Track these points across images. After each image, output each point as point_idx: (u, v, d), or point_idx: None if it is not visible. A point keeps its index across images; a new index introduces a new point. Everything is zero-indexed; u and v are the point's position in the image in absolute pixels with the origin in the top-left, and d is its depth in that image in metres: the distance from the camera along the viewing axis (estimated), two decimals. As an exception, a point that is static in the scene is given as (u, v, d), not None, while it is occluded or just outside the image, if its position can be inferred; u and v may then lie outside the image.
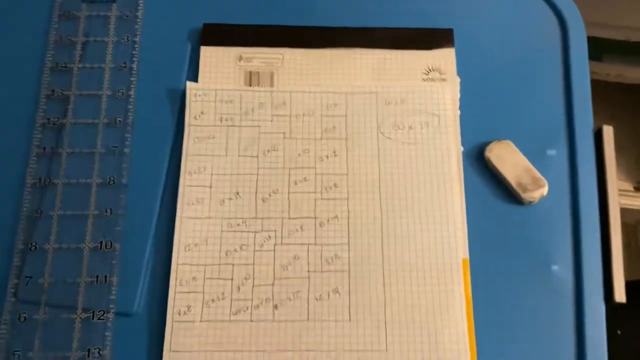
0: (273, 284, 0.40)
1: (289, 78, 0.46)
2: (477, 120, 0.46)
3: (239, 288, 0.40)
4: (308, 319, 0.40)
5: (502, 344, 0.40)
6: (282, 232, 0.42)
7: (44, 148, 0.44)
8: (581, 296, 0.41)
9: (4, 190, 0.43)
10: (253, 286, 0.40)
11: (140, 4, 0.48)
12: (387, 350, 0.39)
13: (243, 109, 0.45)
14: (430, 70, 0.47)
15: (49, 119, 0.45)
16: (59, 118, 0.45)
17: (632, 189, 0.76)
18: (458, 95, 0.46)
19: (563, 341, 0.40)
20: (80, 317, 0.39)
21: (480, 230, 0.43)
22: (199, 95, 0.45)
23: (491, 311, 0.41)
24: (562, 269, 0.42)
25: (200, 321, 0.39)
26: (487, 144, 0.45)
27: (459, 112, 0.46)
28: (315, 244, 0.42)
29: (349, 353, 0.39)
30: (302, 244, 0.42)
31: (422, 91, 0.46)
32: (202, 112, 0.45)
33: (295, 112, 0.45)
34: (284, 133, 0.45)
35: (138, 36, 0.47)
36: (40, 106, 0.45)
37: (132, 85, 0.46)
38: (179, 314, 0.39)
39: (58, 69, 0.46)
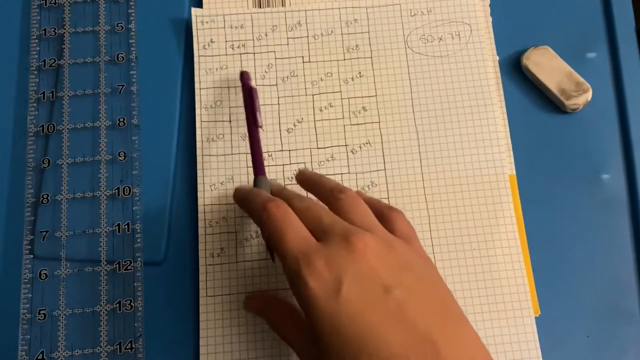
0: (309, 218, 0.38)
1: (303, -4, 0.42)
2: (511, 27, 0.42)
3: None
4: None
5: (557, 260, 0.38)
6: (311, 163, 0.39)
7: (43, 93, 0.40)
8: (636, 203, 0.39)
9: (4, 140, 0.39)
10: (288, 221, 0.37)
11: None
12: (437, 276, 0.36)
13: (255, 33, 0.41)
14: (455, -25, 0.43)
15: (44, 60, 0.41)
16: (55, 59, 0.41)
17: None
18: (488, 0, 0.42)
19: (621, 251, 0.38)
20: (106, 270, 0.36)
21: (524, 143, 0.40)
22: (206, 23, 0.41)
23: (543, 227, 0.38)
24: (614, 178, 0.40)
25: (237, 262, 0.36)
26: (523, 51, 0.41)
27: (491, 19, 0.42)
28: (349, 172, 0.39)
29: (397, 282, 0.36)
30: (335, 174, 0.39)
31: (449, -1, 0.42)
32: (211, 41, 0.41)
33: (313, 33, 0.41)
34: (302, 57, 0.41)
35: (131, -38, 0.43)
36: (32, 47, 0.41)
37: (131, 18, 0.42)
38: (212, 257, 0.37)
39: (47, 6, 0.42)
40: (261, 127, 0.37)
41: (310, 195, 0.35)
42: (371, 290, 0.27)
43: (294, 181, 0.38)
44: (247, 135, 0.37)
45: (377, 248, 0.28)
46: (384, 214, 0.32)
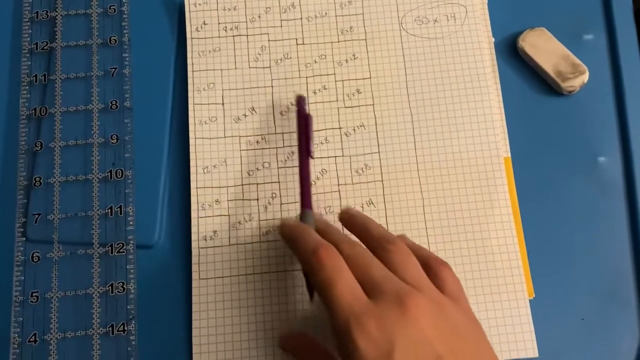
0: (302, 200, 0.37)
1: (296, -22, 0.42)
2: (507, 8, 0.42)
3: (266, 207, 0.37)
4: (343, 232, 0.37)
5: (553, 243, 0.38)
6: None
7: (35, 76, 0.40)
8: (633, 186, 0.39)
9: (-3, 124, 0.39)
10: (281, 204, 0.37)
11: None
12: (431, 259, 0.36)
13: (248, 15, 0.41)
14: (451, -44, 0.42)
15: (36, 43, 0.40)
16: (47, 42, 0.40)
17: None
18: (484, -18, 0.42)
19: (617, 233, 0.38)
20: (98, 252, 0.36)
21: (520, 126, 0.39)
22: (199, 5, 0.41)
23: (539, 209, 0.38)
24: (610, 160, 0.39)
25: (229, 245, 0.36)
26: (519, 33, 0.41)
27: (486, 0, 0.41)
28: (342, 155, 0.38)
29: (391, 265, 0.36)
30: (329, 157, 0.38)
31: (445, -20, 0.41)
32: (204, 23, 0.41)
33: (307, 15, 0.41)
34: (296, 39, 0.41)
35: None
36: (24, 30, 0.40)
37: (124, 1, 0.41)
38: (205, 240, 0.36)
39: (39, -12, 0.41)
40: (312, 156, 0.36)
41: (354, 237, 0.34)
42: (423, 358, 0.26)
43: (287, 164, 0.38)
44: (299, 162, 0.36)
45: (430, 311, 0.28)
46: (431, 267, 0.31)
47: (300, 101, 0.38)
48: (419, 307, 0.27)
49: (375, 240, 0.31)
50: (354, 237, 0.33)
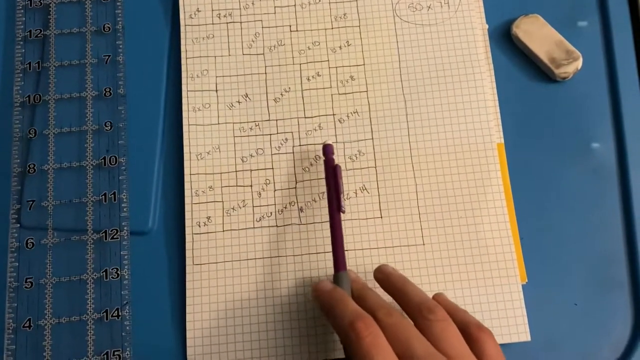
0: (296, 187, 0.37)
1: (290, -35, 0.42)
2: (501, -5, 0.42)
3: (259, 194, 0.37)
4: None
5: (546, 228, 0.38)
6: (299, 132, 0.39)
7: (29, 63, 0.40)
8: (626, 172, 0.39)
9: (-9, 111, 0.39)
10: (275, 190, 0.37)
11: None
12: (424, 244, 0.36)
13: (242, 2, 0.41)
14: (445, -57, 0.42)
15: (30, 31, 0.40)
16: (40, 30, 0.40)
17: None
18: (478, -32, 0.42)
19: (610, 219, 0.38)
20: (92, 239, 0.36)
21: (514, 112, 0.39)
22: (193, -9, 0.41)
23: (532, 195, 0.38)
24: (604, 146, 0.39)
25: (223, 231, 0.36)
26: (513, 20, 0.41)
27: (480, -13, 0.41)
28: (336, 142, 0.39)
29: (384, 250, 0.36)
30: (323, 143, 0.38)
31: (439, -33, 0.41)
32: (197, 10, 0.41)
33: (300, 1, 0.41)
34: (289, 25, 0.41)
35: None
36: (17, 18, 0.40)
37: (117, -12, 0.41)
38: (199, 226, 0.36)
39: (32, -25, 0.41)
40: (344, 211, 0.34)
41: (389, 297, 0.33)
42: None
43: (281, 150, 0.38)
44: (330, 219, 0.34)
45: None
46: (472, 335, 0.30)
47: (328, 150, 0.36)
48: None
49: (414, 308, 0.30)
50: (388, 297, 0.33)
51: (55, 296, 0.35)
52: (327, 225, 0.36)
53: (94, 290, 0.35)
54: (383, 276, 0.33)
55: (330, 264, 0.36)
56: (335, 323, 0.30)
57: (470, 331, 0.30)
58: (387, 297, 0.33)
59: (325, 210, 0.37)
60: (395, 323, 0.29)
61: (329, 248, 0.36)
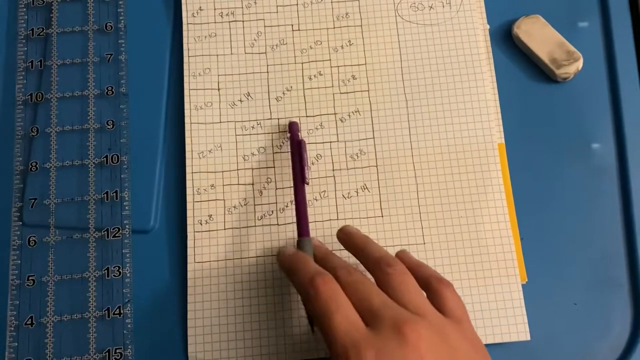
0: (297, 186, 0.38)
1: (292, -36, 0.42)
2: (502, -5, 0.42)
3: (261, 192, 0.37)
4: (338, 217, 0.37)
5: (546, 228, 0.38)
6: (300, 131, 0.39)
7: (31, 62, 0.40)
8: (626, 173, 0.39)
9: (-7, 109, 0.39)
10: (276, 189, 0.37)
11: None
12: (424, 243, 0.37)
13: (244, 1, 0.41)
14: (447, -57, 0.42)
15: (32, 29, 0.40)
16: (43, 28, 0.40)
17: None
18: (479, -32, 0.42)
19: (610, 220, 0.38)
20: (94, 237, 0.37)
21: (514, 112, 0.40)
22: (195, -10, 0.41)
23: (533, 195, 0.38)
24: (604, 147, 0.39)
25: (224, 229, 0.37)
26: (514, 20, 0.41)
27: (482, -13, 0.42)
28: (337, 141, 0.39)
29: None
30: (324, 142, 0.39)
31: (440, -33, 0.41)
32: (200, 9, 0.41)
33: (303, 1, 0.41)
34: (292, 25, 0.41)
35: None
36: (20, 16, 0.41)
37: (119, -14, 0.41)
38: (201, 224, 0.37)
39: (34, -26, 0.41)
40: (308, 183, 0.35)
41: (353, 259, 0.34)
42: None
43: (283, 149, 0.38)
44: (294, 189, 0.35)
45: (430, 338, 0.27)
46: (432, 287, 0.30)
47: (293, 127, 0.37)
48: (419, 334, 0.27)
49: (374, 263, 0.31)
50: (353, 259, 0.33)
51: (57, 294, 0.35)
52: (329, 225, 0.37)
53: (96, 288, 0.36)
54: (345, 236, 0.34)
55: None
56: (296, 282, 0.31)
57: (431, 283, 0.30)
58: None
59: (327, 209, 0.37)
60: (354, 280, 0.30)
61: (330, 247, 0.36)
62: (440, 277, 0.31)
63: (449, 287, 0.30)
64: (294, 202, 0.35)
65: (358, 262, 0.33)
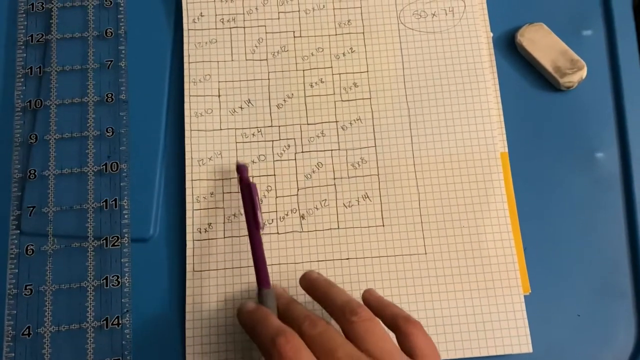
0: (297, 194, 0.37)
1: (294, -30, 0.41)
2: (506, 3, 0.42)
3: (261, 200, 0.37)
4: (338, 226, 0.37)
5: (550, 238, 0.37)
6: (301, 139, 0.38)
7: (30, 68, 0.39)
8: (630, 182, 0.38)
9: (-8, 116, 0.39)
10: (276, 197, 0.37)
11: None
12: (426, 253, 0.36)
13: (246, 7, 0.41)
14: (450, -50, 0.42)
15: (31, 35, 0.40)
16: (42, 34, 0.40)
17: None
18: (482, -24, 0.42)
19: (613, 229, 0.38)
20: (93, 245, 0.36)
21: (518, 121, 0.39)
22: (196, -3, 0.41)
23: (536, 205, 0.38)
24: (608, 156, 0.39)
25: (224, 237, 0.36)
26: (518, 28, 0.41)
27: (485, -5, 0.41)
28: (339, 149, 0.38)
29: (385, 259, 0.36)
30: (325, 150, 0.38)
31: (443, -26, 0.41)
32: (200, 15, 0.40)
33: (305, 7, 0.41)
34: (293, 31, 0.40)
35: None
36: (19, 22, 0.40)
37: (119, -8, 0.41)
38: (200, 232, 0.36)
39: (34, -21, 0.41)
40: (262, 228, 0.34)
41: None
42: None
43: (283, 157, 0.38)
44: (249, 237, 0.34)
45: None
46: (400, 328, 0.30)
47: (242, 169, 0.36)
48: None
49: (338, 311, 0.30)
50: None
51: (55, 304, 0.35)
52: (330, 234, 0.36)
53: (94, 298, 0.35)
54: (308, 283, 0.33)
55: (330, 271, 0.36)
56: (258, 342, 0.30)
57: (398, 325, 0.30)
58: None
59: (327, 218, 0.37)
60: (319, 333, 0.29)
61: (330, 256, 0.36)
62: (408, 316, 0.30)
63: (416, 327, 0.30)
64: (250, 251, 0.34)
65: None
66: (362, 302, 0.31)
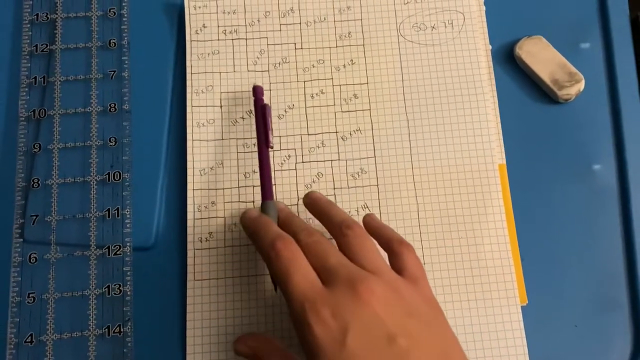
0: (298, 204, 0.38)
1: (295, -17, 0.42)
2: (504, 16, 0.42)
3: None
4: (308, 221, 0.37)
5: (547, 250, 0.38)
6: (302, 149, 0.39)
7: (34, 78, 0.40)
8: (627, 194, 0.39)
9: (-3, 125, 0.39)
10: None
11: None
12: (424, 263, 0.37)
13: (248, 19, 0.41)
14: (449, -37, 0.42)
15: (36, 45, 0.41)
16: (47, 44, 0.41)
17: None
18: (482, -11, 0.42)
19: (610, 241, 0.38)
20: (95, 254, 0.37)
21: (516, 133, 0.40)
22: (199, 7, 0.41)
23: (534, 217, 0.38)
24: (605, 168, 0.39)
25: (224, 247, 0.37)
26: (516, 41, 0.41)
27: (484, 8, 0.42)
28: (339, 159, 0.39)
29: (385, 270, 0.36)
30: (325, 161, 0.39)
31: (443, -13, 0.42)
32: (203, 26, 0.41)
33: (306, 19, 0.41)
34: (294, 43, 0.41)
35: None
36: (24, 32, 0.41)
37: (123, 4, 0.42)
38: (201, 241, 0.37)
39: (39, -10, 0.42)
40: (272, 147, 0.36)
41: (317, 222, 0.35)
42: (375, 340, 0.27)
43: (284, 167, 0.38)
44: (258, 153, 0.36)
45: (383, 294, 0.28)
46: (393, 249, 0.32)
47: (257, 91, 0.37)
48: (372, 291, 0.28)
49: (335, 226, 0.32)
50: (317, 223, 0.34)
51: (57, 312, 0.35)
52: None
53: (96, 306, 0.36)
54: (311, 201, 0.35)
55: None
56: (258, 245, 0.32)
57: (392, 246, 0.32)
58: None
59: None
60: (314, 241, 0.31)
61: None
62: (402, 239, 0.32)
63: (409, 249, 0.32)
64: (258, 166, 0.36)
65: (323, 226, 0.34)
66: (360, 222, 0.33)
